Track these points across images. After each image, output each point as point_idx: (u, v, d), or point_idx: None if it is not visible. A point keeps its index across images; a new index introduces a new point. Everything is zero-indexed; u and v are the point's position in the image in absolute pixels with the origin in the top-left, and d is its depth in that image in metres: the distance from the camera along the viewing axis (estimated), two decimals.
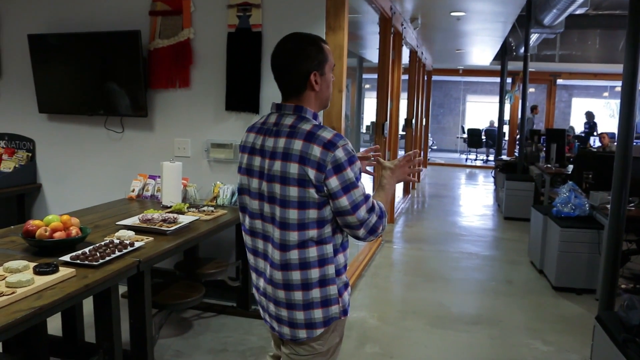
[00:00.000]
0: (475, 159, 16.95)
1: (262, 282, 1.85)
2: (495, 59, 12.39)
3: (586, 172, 5.63)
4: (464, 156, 17.43)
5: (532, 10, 7.57)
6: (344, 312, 1.82)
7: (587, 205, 4.88)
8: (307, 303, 1.75)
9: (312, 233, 1.70)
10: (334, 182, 1.65)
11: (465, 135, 17.18)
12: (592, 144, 11.48)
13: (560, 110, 17.74)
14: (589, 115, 14.73)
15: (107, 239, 2.67)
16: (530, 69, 13.99)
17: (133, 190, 3.96)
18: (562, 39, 12.03)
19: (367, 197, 1.72)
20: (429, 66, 12.39)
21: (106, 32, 4.00)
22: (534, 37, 10.00)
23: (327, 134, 1.66)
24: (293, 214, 1.68)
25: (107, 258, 2.37)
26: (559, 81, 15.01)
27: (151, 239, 2.78)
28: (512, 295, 4.69)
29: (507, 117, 14.32)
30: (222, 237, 3.91)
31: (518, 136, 14.58)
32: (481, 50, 10.37)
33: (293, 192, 1.67)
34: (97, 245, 2.51)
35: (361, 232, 1.74)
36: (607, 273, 3.41)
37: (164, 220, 3.06)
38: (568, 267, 4.72)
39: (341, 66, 3.84)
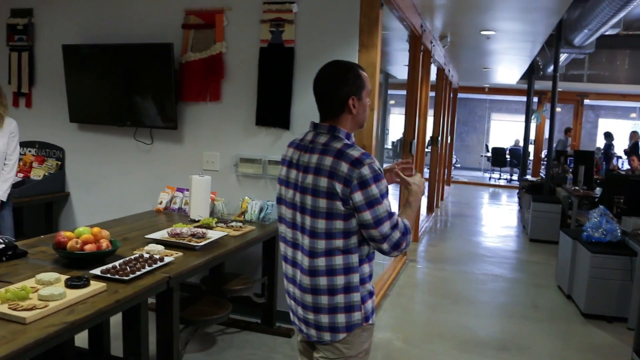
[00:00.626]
0: (499, 178, 16.76)
1: (291, 287, 1.98)
2: (522, 77, 12.27)
3: (617, 196, 5.50)
4: (487, 175, 17.25)
5: (562, 30, 7.48)
6: (366, 319, 1.91)
7: (619, 230, 4.76)
8: (332, 307, 1.87)
9: (339, 242, 1.83)
10: (358, 197, 1.77)
11: (489, 154, 17.02)
12: (620, 166, 11.26)
13: (586, 130, 17.48)
14: (608, 136, 14.31)
15: (137, 253, 2.66)
16: (558, 89, 13.91)
17: (161, 203, 3.96)
18: (590, 59, 11.87)
19: (391, 214, 1.82)
20: (455, 84, 12.32)
21: (139, 44, 4.04)
22: (563, 57, 9.87)
23: (355, 153, 1.80)
24: (322, 224, 1.83)
25: (138, 273, 2.35)
26: (586, 101, 14.81)
27: (180, 254, 2.76)
28: (540, 321, 4.57)
29: (532, 136, 14.14)
30: (248, 253, 3.88)
31: (544, 156, 14.42)
32: (508, 68, 10.29)
33: (322, 203, 1.82)
34: (127, 259, 2.50)
35: (385, 246, 1.84)
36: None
37: (193, 235, 3.04)
38: (598, 293, 4.59)
39: (373, 84, 3.81)
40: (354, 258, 1.86)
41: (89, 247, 2.50)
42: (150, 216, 3.75)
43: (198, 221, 3.50)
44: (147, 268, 2.43)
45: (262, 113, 3.93)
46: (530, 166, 14.66)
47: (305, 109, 3.87)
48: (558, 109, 14.72)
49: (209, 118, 4.07)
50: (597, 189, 7.93)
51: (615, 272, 4.55)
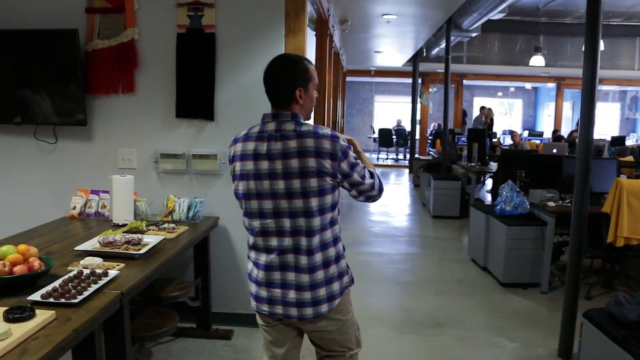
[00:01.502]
0: (387, 158, 17.34)
1: (278, 275, 2.03)
2: (408, 60, 12.70)
3: (519, 170, 5.84)
4: (374, 155, 17.77)
5: (453, 14, 7.78)
6: (352, 280, 2.16)
7: (527, 203, 5.06)
8: (328, 279, 2.02)
9: (329, 216, 2.01)
10: (345, 165, 1.97)
11: (375, 135, 17.52)
12: (501, 142, 12.06)
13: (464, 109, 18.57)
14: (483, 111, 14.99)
15: (74, 269, 2.34)
16: (439, 70, 14.56)
17: (74, 208, 3.54)
18: (468, 42, 12.55)
19: (364, 167, 2.05)
20: (344, 67, 12.47)
21: (37, 31, 3.54)
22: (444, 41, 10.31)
23: (327, 131, 1.98)
24: (315, 202, 1.95)
25: (86, 293, 2.05)
26: (465, 82, 15.70)
27: (122, 265, 2.47)
28: (465, 295, 4.75)
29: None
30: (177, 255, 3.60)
31: (429, 135, 15.07)
32: (399, 52, 10.57)
33: (313, 182, 1.93)
34: (66, 277, 2.18)
35: (374, 192, 2.09)
36: (572, 269, 3.52)
37: (128, 242, 2.74)
38: (514, 263, 4.86)
39: None
40: (337, 228, 2.07)
41: (19, 269, 2.14)
42: (65, 224, 3.34)
43: (122, 225, 3.18)
44: (94, 286, 2.13)
45: (183, 104, 3.64)
46: (417, 145, 15.29)
47: (230, 98, 3.64)
48: (434, 89, 15.51)
49: (123, 111, 3.69)
50: (491, 164, 8.43)
51: (529, 242, 4.83)
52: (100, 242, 2.73)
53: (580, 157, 3.44)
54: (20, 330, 1.72)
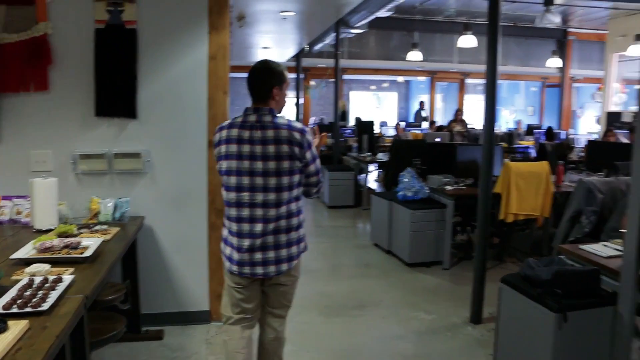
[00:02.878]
0: None
1: (247, 241, 2.44)
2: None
3: (414, 158, 6.28)
4: None
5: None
6: (306, 246, 2.61)
7: (426, 188, 5.49)
8: (289, 242, 2.49)
9: (296, 192, 2.48)
10: (308, 155, 2.43)
11: None
12: (383, 133, 12.70)
13: (343, 102, 19.22)
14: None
15: (21, 278, 2.23)
16: (320, 65, 14.96)
17: None
18: (347, 38, 13.05)
19: (320, 166, 2.53)
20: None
21: None
22: (330, 38, 10.62)
23: (298, 125, 2.44)
24: (286, 180, 2.41)
25: (50, 300, 1.99)
26: (344, 76, 16.26)
27: (71, 269, 2.40)
28: (376, 277, 5.06)
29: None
30: None
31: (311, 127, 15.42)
32: (286, 47, 10.73)
33: (285, 164, 2.39)
34: (20, 286, 2.09)
35: (315, 189, 2.57)
36: (481, 244, 3.92)
37: (67, 247, 2.65)
38: (418, 244, 5.26)
39: (225, 67, 3.72)
40: (301, 203, 2.54)
41: None
42: None
43: (47, 231, 3.04)
44: (54, 292, 2.06)
45: (103, 102, 3.52)
46: None
47: (154, 96, 3.59)
48: (322, 84, 15.94)
49: (35, 111, 3.48)
50: (379, 154, 8.90)
51: (431, 224, 5.25)
52: (37, 249, 2.62)
53: (485, 145, 3.84)
54: (1, 342, 1.65)
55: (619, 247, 2.97)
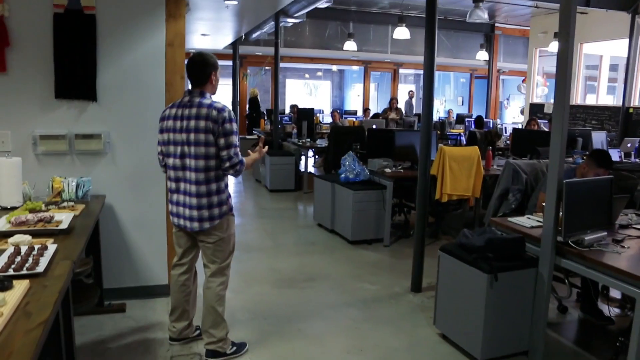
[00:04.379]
0: None
1: (175, 197, 3.05)
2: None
3: (354, 143, 6.64)
4: None
5: None
6: (230, 209, 3.07)
7: (367, 171, 5.85)
8: (209, 204, 2.97)
9: (212, 162, 2.92)
10: (221, 130, 2.87)
11: None
12: (321, 120, 13.03)
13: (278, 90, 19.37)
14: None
15: (6, 247, 2.37)
16: (257, 53, 15.06)
17: None
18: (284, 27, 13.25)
19: (236, 145, 2.93)
20: None
21: None
22: (268, 26, 10.78)
23: (219, 105, 2.92)
24: (203, 149, 2.89)
25: (42, 264, 2.15)
26: (281, 64, 16.42)
27: (51, 240, 2.54)
28: (322, 253, 5.38)
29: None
30: None
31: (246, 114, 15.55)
32: (225, 35, 10.81)
33: (203, 137, 2.87)
34: (9, 254, 2.24)
35: (227, 164, 2.93)
36: (420, 221, 4.30)
37: (42, 220, 2.79)
38: (360, 223, 5.62)
39: (182, 53, 3.88)
40: (219, 173, 2.96)
41: None
42: None
43: (13, 209, 3.14)
44: (43, 258, 2.23)
45: (62, 85, 3.61)
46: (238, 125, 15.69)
47: (114, 79, 3.72)
48: (262, 71, 16.04)
49: None
50: (318, 140, 9.22)
51: (372, 204, 5.62)
52: (12, 222, 2.74)
53: (424, 130, 4.22)
54: (11, 297, 1.82)
55: (540, 219, 3.41)
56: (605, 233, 3.16)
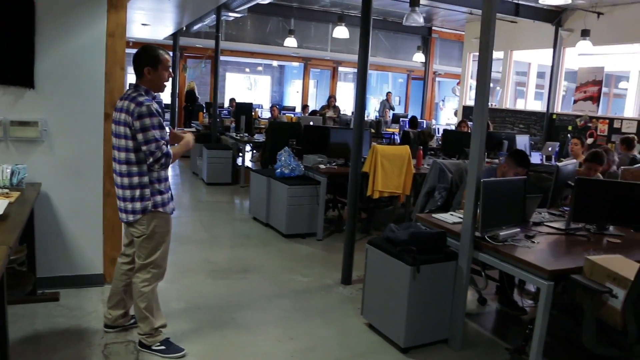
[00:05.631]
0: None
1: (114, 189, 3.12)
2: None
3: (291, 139, 6.79)
4: None
5: None
6: (154, 206, 3.01)
7: (302, 166, 6.02)
8: (131, 197, 2.99)
9: (132, 155, 2.95)
10: (137, 124, 2.87)
11: None
12: (260, 115, 13.10)
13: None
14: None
15: None
16: (198, 45, 14.93)
17: None
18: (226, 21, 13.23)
19: (157, 139, 2.89)
20: None
21: None
22: (210, 19, 10.73)
23: (140, 99, 2.91)
24: (122, 142, 2.95)
25: None
26: (221, 57, 16.32)
27: None
28: (256, 246, 5.52)
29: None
30: None
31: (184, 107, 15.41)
32: (166, 26, 10.69)
33: (122, 130, 2.93)
34: None
35: (150, 159, 2.92)
36: (351, 217, 4.51)
37: None
38: (294, 217, 5.78)
39: (122, 44, 3.91)
40: (143, 167, 2.96)
41: None
42: None
43: None
44: None
45: None
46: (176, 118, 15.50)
47: (53, 67, 3.72)
48: (202, 65, 15.89)
49: None
50: (256, 135, 9.32)
51: (306, 199, 5.79)
52: None
53: (356, 129, 4.43)
54: None
55: (461, 216, 3.69)
56: (519, 229, 3.48)
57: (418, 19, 7.51)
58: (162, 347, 3.18)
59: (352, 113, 12.97)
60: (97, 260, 4.00)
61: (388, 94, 16.23)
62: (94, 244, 3.98)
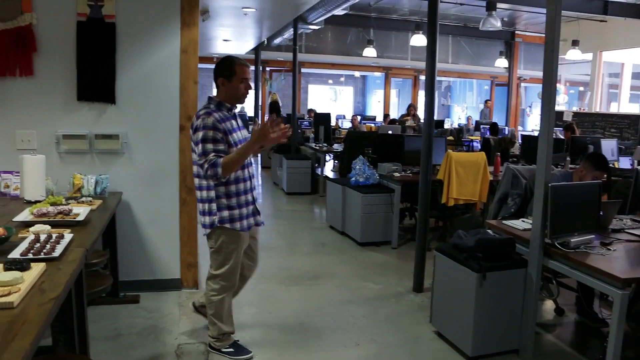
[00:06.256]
0: None
1: None
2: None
3: (366, 148, 6.81)
4: None
5: None
6: (221, 221, 3.04)
7: (377, 174, 6.02)
8: (202, 211, 3.09)
9: (197, 169, 3.03)
10: (193, 138, 2.98)
11: None
12: (340, 125, 13.22)
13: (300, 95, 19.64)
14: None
15: (27, 235, 2.61)
16: (279, 58, 15.33)
17: None
18: (305, 33, 13.50)
19: (206, 152, 2.88)
20: None
21: None
22: (289, 32, 11.02)
23: (201, 112, 2.99)
24: (194, 156, 3.01)
25: (58, 250, 2.38)
26: (303, 69, 16.70)
27: (68, 230, 2.78)
28: (331, 254, 5.57)
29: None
30: None
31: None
32: (246, 40, 11.08)
33: (192, 144, 3.01)
34: (30, 240, 2.47)
35: (204, 167, 2.90)
36: (421, 225, 4.46)
37: (61, 213, 3.02)
38: (369, 226, 5.78)
39: (195, 59, 4.11)
40: (210, 181, 3.02)
41: None
42: None
43: (37, 202, 3.39)
44: (60, 246, 2.45)
45: (84, 88, 3.88)
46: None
47: (132, 84, 3.97)
48: (281, 77, 16.31)
49: (21, 94, 3.80)
50: (335, 145, 9.40)
51: (380, 207, 5.78)
52: (34, 214, 2.98)
53: (425, 136, 4.38)
54: (29, 276, 2.05)
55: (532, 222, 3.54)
56: (594, 236, 3.28)
57: (495, 23, 7.32)
58: (231, 350, 3.29)
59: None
60: (175, 266, 4.21)
61: (487, 101, 15.83)
62: (171, 250, 4.19)
